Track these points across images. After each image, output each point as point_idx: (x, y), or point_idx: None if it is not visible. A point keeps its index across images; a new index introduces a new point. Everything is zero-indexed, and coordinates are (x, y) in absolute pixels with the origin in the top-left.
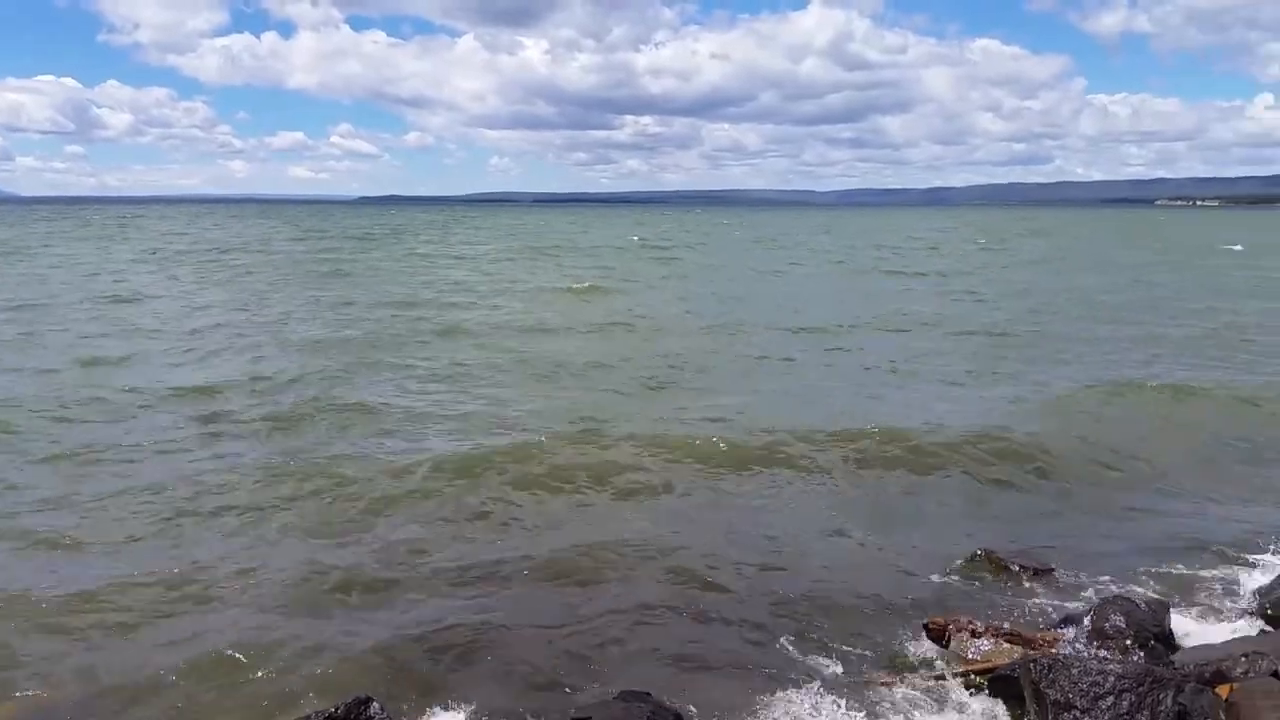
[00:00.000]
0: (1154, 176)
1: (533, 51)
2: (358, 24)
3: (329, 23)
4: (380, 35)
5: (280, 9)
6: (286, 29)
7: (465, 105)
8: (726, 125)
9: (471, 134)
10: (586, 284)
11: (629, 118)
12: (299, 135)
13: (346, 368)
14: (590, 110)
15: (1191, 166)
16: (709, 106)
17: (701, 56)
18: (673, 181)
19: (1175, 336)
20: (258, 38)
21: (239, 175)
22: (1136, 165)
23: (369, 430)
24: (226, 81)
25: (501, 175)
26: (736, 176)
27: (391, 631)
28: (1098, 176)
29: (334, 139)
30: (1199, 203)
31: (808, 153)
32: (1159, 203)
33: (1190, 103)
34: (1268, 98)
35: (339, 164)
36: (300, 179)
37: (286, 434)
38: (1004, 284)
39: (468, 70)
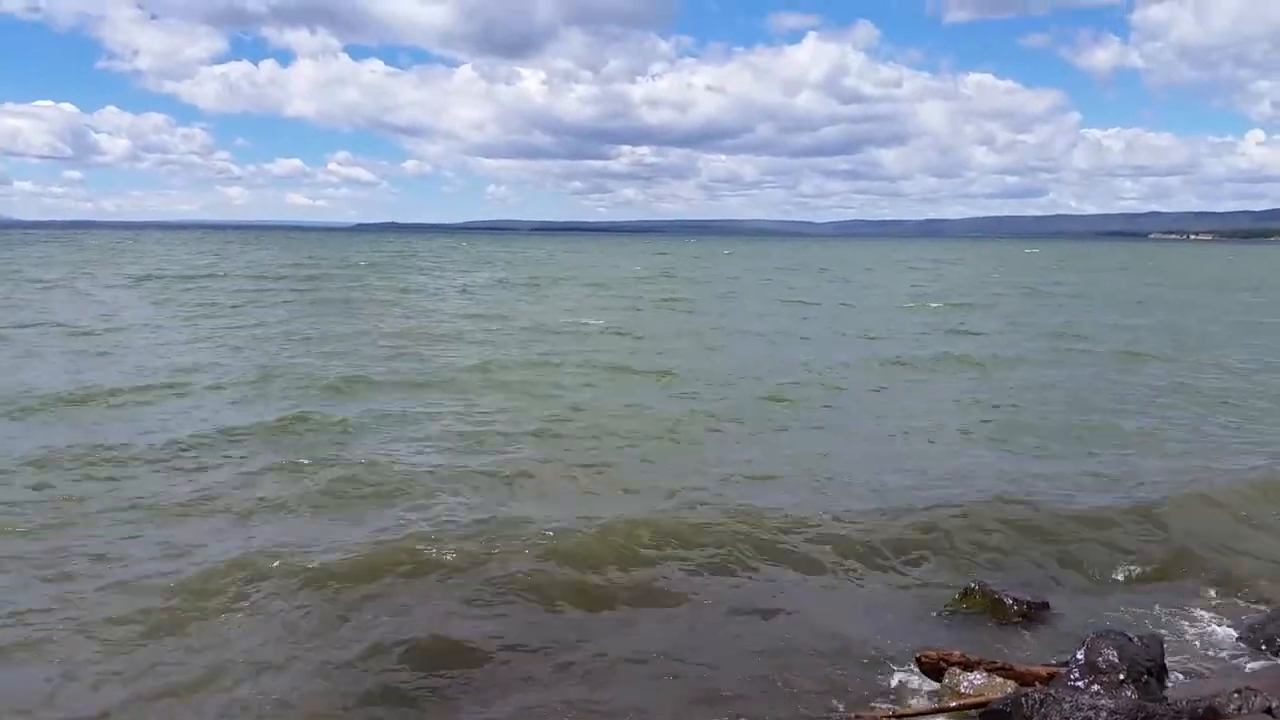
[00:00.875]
0: (1148, 210)
1: (530, 82)
2: (356, 53)
3: (327, 51)
4: (378, 64)
5: (279, 37)
6: (285, 57)
7: (463, 134)
8: (723, 156)
9: (470, 162)
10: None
11: (626, 148)
12: (297, 162)
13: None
14: (587, 140)
15: (1185, 200)
16: (705, 138)
17: (697, 89)
18: (670, 211)
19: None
20: (256, 65)
21: (237, 202)
22: (1130, 199)
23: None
24: (225, 108)
25: (499, 203)
26: (734, 207)
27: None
28: (1091, 209)
29: (332, 166)
30: (1192, 236)
31: (804, 184)
32: (1152, 235)
33: (1183, 137)
34: (1259, 134)
35: (337, 191)
36: (298, 206)
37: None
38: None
39: (466, 100)
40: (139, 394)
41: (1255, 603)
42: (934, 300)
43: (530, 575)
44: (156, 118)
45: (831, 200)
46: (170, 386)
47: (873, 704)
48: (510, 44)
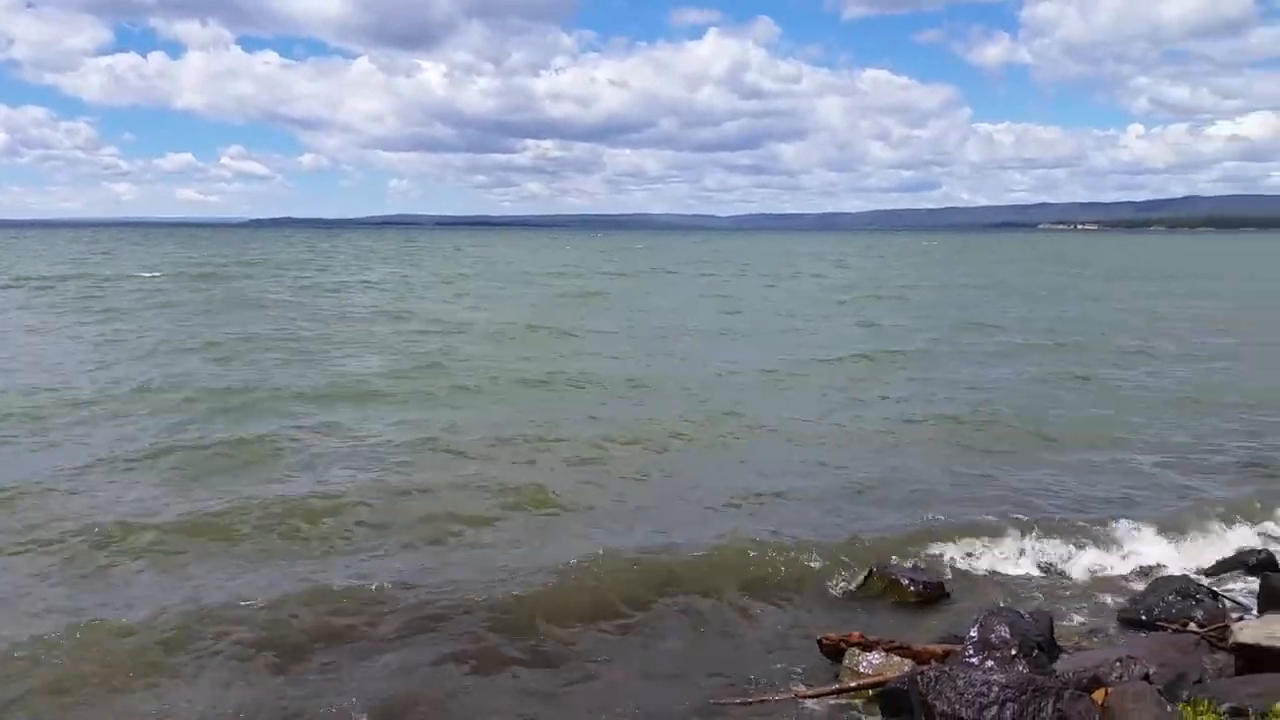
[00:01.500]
0: (1036, 201)
1: (431, 74)
2: (249, 45)
3: (219, 43)
4: (273, 56)
5: (167, 28)
6: (174, 49)
7: (362, 127)
8: (628, 150)
9: (369, 156)
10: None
11: (530, 141)
12: (188, 157)
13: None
14: (490, 134)
15: (1072, 191)
16: (609, 132)
17: (601, 83)
18: (575, 205)
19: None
20: (144, 57)
21: (125, 198)
22: (1019, 191)
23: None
24: (111, 101)
25: (401, 197)
26: (639, 201)
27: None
28: (983, 202)
29: (225, 160)
30: (1079, 226)
31: (707, 178)
32: (1041, 226)
33: (1069, 131)
34: (1139, 128)
35: (230, 186)
36: (190, 201)
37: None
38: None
39: (364, 92)
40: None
41: (1136, 576)
42: (853, 292)
43: (474, 638)
44: (36, 111)
45: (734, 194)
46: (35, 407)
47: (776, 685)
48: (409, 36)
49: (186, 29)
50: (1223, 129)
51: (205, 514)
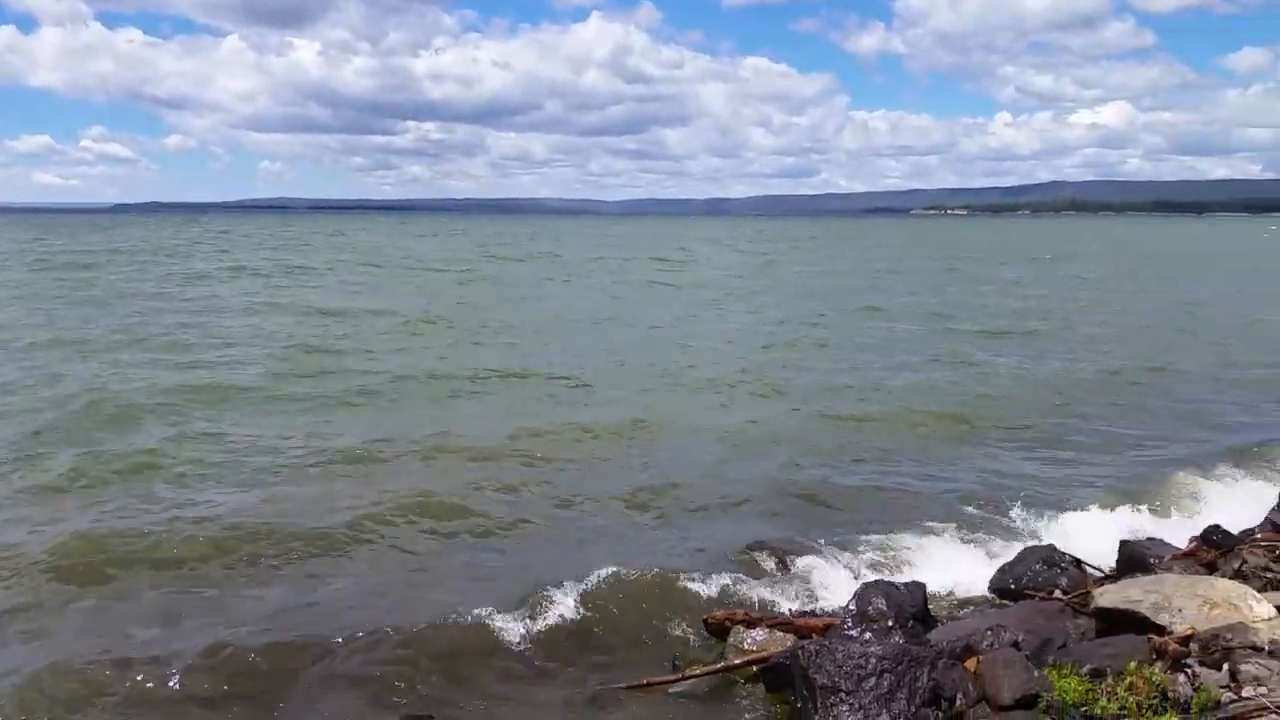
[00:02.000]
0: (910, 188)
1: (305, 53)
2: (110, 20)
3: (76, 18)
4: (136, 33)
5: (18, 2)
6: (27, 24)
7: (232, 106)
8: (512, 134)
9: (240, 137)
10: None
11: (411, 123)
12: (45, 139)
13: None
14: (368, 115)
15: (943, 178)
16: (493, 114)
17: (483, 64)
18: (459, 189)
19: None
20: None
21: None
22: (894, 177)
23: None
24: None
25: (275, 180)
26: (525, 185)
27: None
28: (860, 188)
29: (85, 142)
30: (949, 211)
31: (593, 163)
32: (914, 212)
33: (940, 119)
34: (1006, 116)
35: (92, 169)
36: (49, 186)
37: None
38: None
39: (234, 71)
40: None
41: (1006, 544)
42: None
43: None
44: None
45: (620, 179)
46: None
47: (663, 666)
48: (281, 13)
49: (39, 3)
50: (1084, 117)
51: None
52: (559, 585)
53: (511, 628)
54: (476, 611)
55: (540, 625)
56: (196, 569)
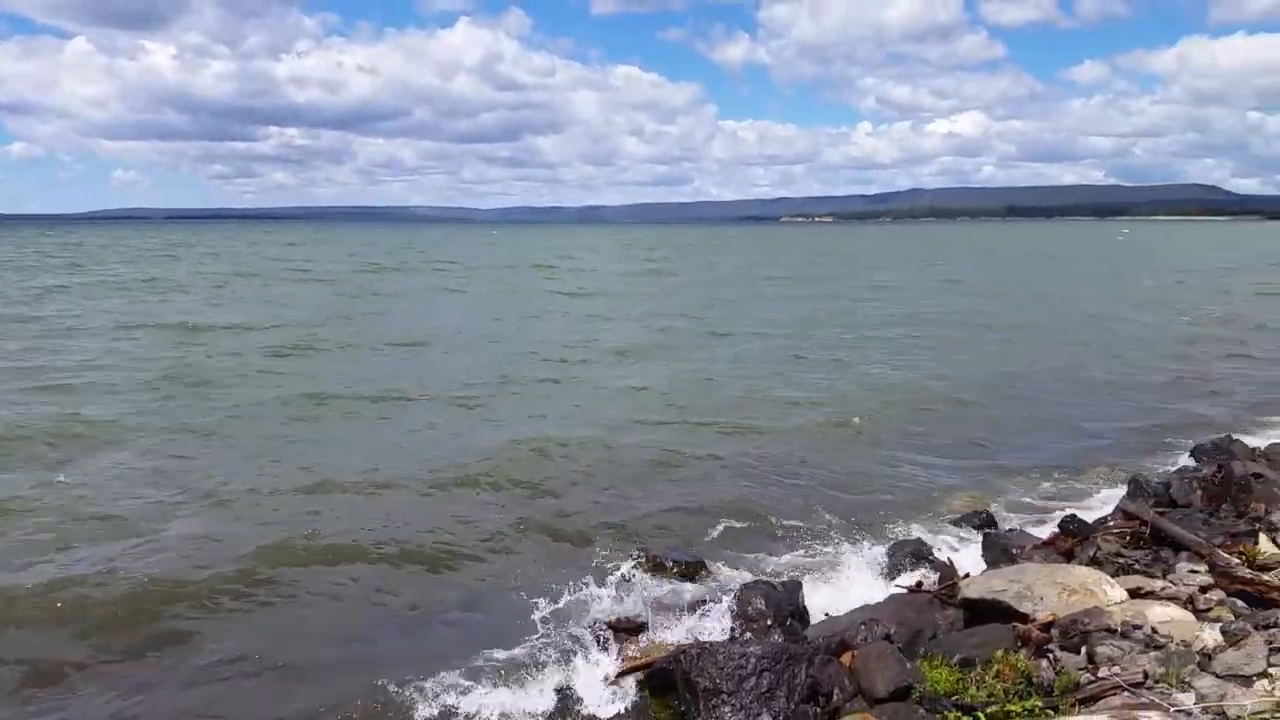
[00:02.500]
0: (778, 196)
1: (159, 57)
2: None
3: None
4: None
5: None
6: None
7: (81, 113)
8: (380, 140)
9: (90, 144)
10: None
11: (273, 129)
12: None
13: None
14: (228, 120)
15: (809, 186)
16: (360, 120)
17: (348, 69)
18: (326, 196)
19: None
20: None
21: None
22: (763, 185)
23: None
24: None
25: (129, 189)
26: (395, 192)
27: None
28: (730, 196)
29: None
30: (816, 219)
31: (466, 170)
32: (783, 219)
33: (805, 129)
34: (867, 125)
35: None
36: None
37: None
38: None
39: (82, 75)
40: None
41: (881, 539)
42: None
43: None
44: None
45: (495, 187)
46: None
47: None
48: (130, 14)
49: None
50: (940, 126)
51: None
52: (440, 601)
53: (398, 644)
54: (366, 625)
55: (430, 627)
56: (54, 639)
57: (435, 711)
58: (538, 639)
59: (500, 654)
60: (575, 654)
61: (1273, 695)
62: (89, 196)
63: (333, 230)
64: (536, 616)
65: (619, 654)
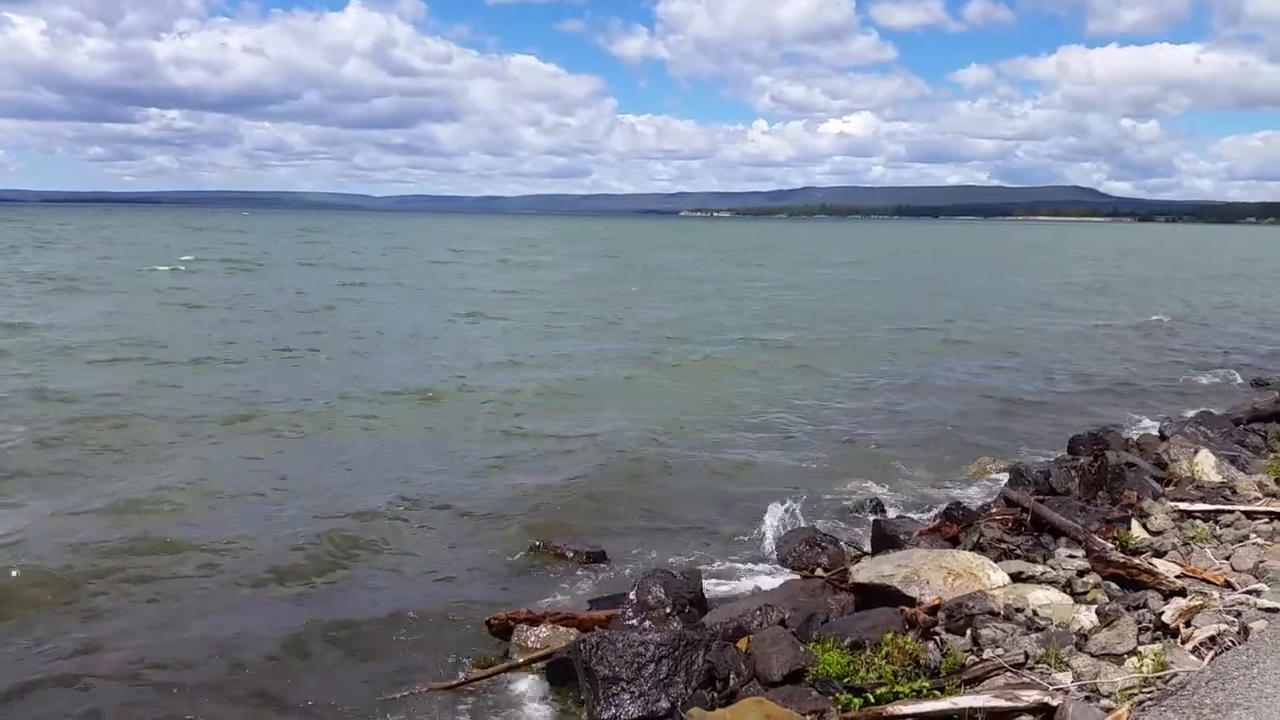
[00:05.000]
0: (677, 190)
1: (27, 31)
2: None
3: None
4: None
5: None
6: None
7: None
8: (268, 124)
9: None
10: None
11: (153, 110)
12: None
13: None
14: (105, 101)
15: (708, 181)
16: (246, 103)
17: (233, 50)
18: (211, 181)
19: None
20: None
21: None
22: (662, 180)
23: None
24: None
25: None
26: (283, 178)
27: None
28: (630, 190)
29: None
30: (715, 214)
31: (359, 156)
32: (682, 213)
33: (703, 125)
34: (763, 123)
35: None
36: None
37: None
38: None
39: None
40: None
41: (775, 527)
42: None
43: None
44: None
45: (389, 174)
46: None
47: (445, 670)
48: None
49: None
50: (833, 126)
51: None
52: (343, 593)
53: (293, 641)
54: (258, 620)
55: (319, 637)
56: None
57: None
58: (435, 631)
59: (393, 648)
60: (473, 647)
61: (1141, 672)
62: None
63: (216, 215)
64: (430, 611)
65: (518, 645)
